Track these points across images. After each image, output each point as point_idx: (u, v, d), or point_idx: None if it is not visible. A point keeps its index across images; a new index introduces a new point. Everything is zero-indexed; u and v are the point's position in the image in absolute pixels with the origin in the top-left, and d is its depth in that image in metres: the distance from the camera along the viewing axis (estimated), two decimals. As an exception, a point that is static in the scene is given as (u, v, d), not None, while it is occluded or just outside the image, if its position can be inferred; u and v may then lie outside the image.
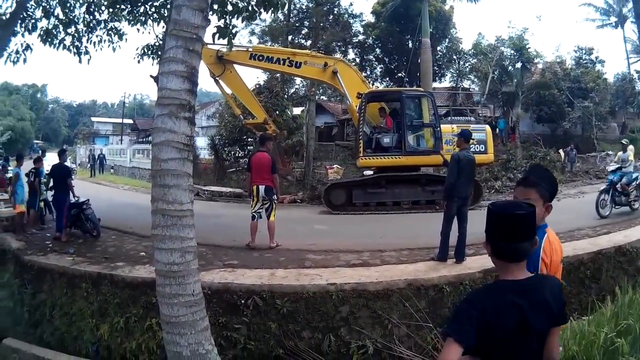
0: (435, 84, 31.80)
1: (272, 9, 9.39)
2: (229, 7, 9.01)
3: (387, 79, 35.28)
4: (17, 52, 11.41)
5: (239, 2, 9.18)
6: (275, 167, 9.77)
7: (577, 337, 5.03)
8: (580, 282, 8.01)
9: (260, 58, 15.89)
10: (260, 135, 12.36)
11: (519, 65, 31.02)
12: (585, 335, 5.05)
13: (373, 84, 35.42)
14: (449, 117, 18.76)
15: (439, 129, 15.20)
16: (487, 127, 16.09)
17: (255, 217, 9.67)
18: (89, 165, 39.50)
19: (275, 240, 9.72)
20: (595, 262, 8.32)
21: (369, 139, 15.83)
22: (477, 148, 14.91)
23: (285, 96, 27.52)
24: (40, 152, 25.53)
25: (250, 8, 9.05)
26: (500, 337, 2.16)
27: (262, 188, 9.50)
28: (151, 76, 15.45)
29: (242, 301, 7.05)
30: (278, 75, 29.85)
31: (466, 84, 35.67)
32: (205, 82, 32.22)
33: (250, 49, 15.74)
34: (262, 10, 9.23)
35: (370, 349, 6.75)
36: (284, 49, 16.76)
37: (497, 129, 31.85)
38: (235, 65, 15.93)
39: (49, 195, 13.11)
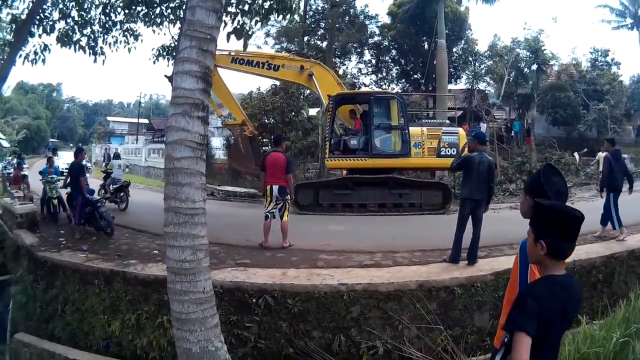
0: (451, 86, 31.73)
1: (285, 13, 9.43)
2: (245, 7, 9.07)
3: (403, 80, 35.23)
4: (35, 52, 11.53)
5: (252, 4, 9.24)
6: (290, 167, 9.76)
7: (587, 341, 5.01)
8: (592, 286, 7.93)
9: (241, 62, 16.08)
10: (275, 135, 12.42)
11: (534, 67, 30.73)
12: (596, 339, 5.03)
13: (389, 86, 35.40)
14: (422, 120, 18.86)
15: (407, 131, 15.13)
16: (461, 131, 15.89)
17: (269, 217, 9.68)
18: (104, 164, 39.76)
19: (288, 240, 9.72)
20: (607, 266, 8.25)
21: (337, 141, 15.89)
22: (449, 152, 14.96)
23: (301, 97, 27.57)
24: (51, 150, 25.79)
25: (263, 11, 9.09)
26: (551, 328, 2.40)
27: (275, 188, 9.50)
28: (165, 76, 15.59)
29: (254, 300, 7.07)
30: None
31: (482, 85, 35.48)
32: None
33: (232, 53, 15.82)
34: (275, 13, 9.27)
35: (380, 350, 6.74)
36: (263, 53, 17.03)
37: (513, 132, 31.68)
38: (219, 69, 15.94)
39: (64, 192, 13.28)
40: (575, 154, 24.93)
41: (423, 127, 15.81)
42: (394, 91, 18.26)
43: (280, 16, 9.82)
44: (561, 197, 3.04)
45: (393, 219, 13.99)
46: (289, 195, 9.74)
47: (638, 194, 10.80)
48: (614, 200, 9.68)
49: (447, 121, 18.46)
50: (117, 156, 37.03)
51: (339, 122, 17.26)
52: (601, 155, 18.30)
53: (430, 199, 14.99)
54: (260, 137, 24.37)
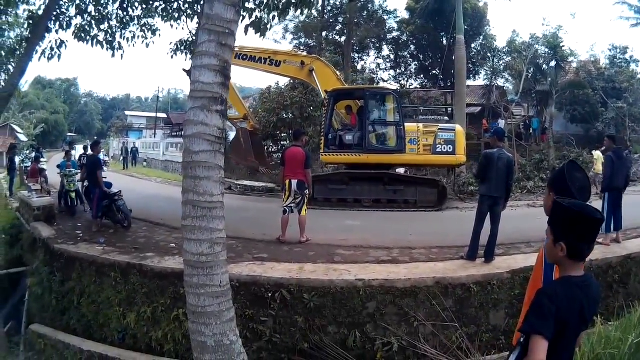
0: (469, 82, 31.49)
1: (303, 7, 9.40)
2: (263, 1, 9.06)
3: (422, 76, 35.10)
4: (51, 48, 11.60)
5: None
6: (309, 162, 9.73)
7: (603, 342, 4.95)
8: (608, 286, 7.82)
9: (245, 57, 16.35)
10: (295, 130, 12.45)
11: (553, 63, 30.44)
12: (611, 341, 4.97)
13: (407, 81, 35.30)
14: (421, 117, 18.61)
15: (402, 127, 15.10)
16: (458, 128, 15.79)
17: (287, 211, 9.65)
18: (121, 158, 40.06)
19: (306, 235, 9.70)
20: (624, 266, 8.15)
21: (334, 136, 15.97)
22: (445, 148, 14.94)
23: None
24: (68, 144, 26.06)
25: (281, 6, 9.07)
26: (567, 327, 2.37)
27: (294, 182, 9.48)
28: (184, 70, 15.66)
29: (270, 294, 7.10)
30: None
31: (500, 82, 35.18)
32: (240, 77, 32.55)
33: (236, 49, 15.97)
34: (293, 8, 9.25)
35: (395, 346, 6.74)
36: (266, 49, 16.99)
37: (531, 129, 31.42)
38: None
39: (81, 186, 13.40)
40: (593, 152, 24.68)
41: (419, 123, 15.79)
42: (391, 87, 18.28)
43: (299, 11, 9.79)
44: (584, 193, 3.00)
45: (395, 215, 13.98)
46: (307, 190, 9.70)
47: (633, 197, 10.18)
48: (609, 200, 9.28)
49: (446, 117, 18.46)
50: (135, 151, 37.21)
51: (340, 118, 17.39)
52: (598, 154, 18.11)
53: (426, 196, 15.00)
54: (278, 132, 24.50)
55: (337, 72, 17.57)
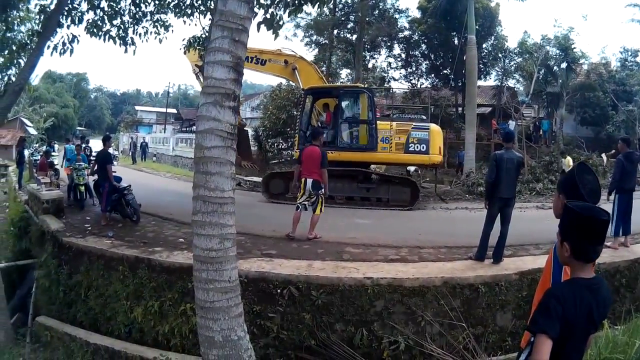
0: (480, 82, 31.35)
1: (318, 3, 9.37)
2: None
3: (433, 75, 34.95)
4: (63, 43, 11.62)
5: None
6: (325, 162, 9.73)
7: (609, 346, 4.93)
8: (615, 290, 7.73)
9: None
10: (313, 129, 12.58)
11: (564, 65, 30.34)
12: (618, 345, 4.95)
13: (418, 80, 35.23)
14: (398, 115, 19.56)
15: (374, 125, 15.23)
16: (433, 127, 15.79)
17: (300, 208, 9.77)
18: (130, 152, 40.20)
19: (315, 232, 9.73)
20: (631, 270, 8.09)
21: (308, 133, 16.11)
22: (418, 147, 15.02)
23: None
24: (79, 139, 26.19)
25: (295, 1, 9.04)
26: (575, 329, 2.38)
27: (309, 182, 9.58)
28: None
29: (278, 291, 7.12)
30: (323, 68, 30.07)
31: (511, 83, 35.05)
32: (251, 74, 32.68)
33: None
34: (308, 3, 9.21)
35: (402, 345, 6.74)
36: (253, 48, 17.18)
37: (541, 130, 31.32)
38: None
39: (91, 180, 13.46)
40: (603, 155, 24.56)
41: (393, 121, 15.93)
42: (363, 86, 18.49)
43: (311, 8, 9.77)
44: (594, 196, 3.00)
45: (362, 212, 14.12)
46: (323, 190, 9.71)
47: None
48: (619, 203, 9.15)
49: (424, 117, 18.58)
50: (145, 146, 37.26)
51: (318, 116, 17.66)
52: (568, 160, 18.30)
53: (398, 194, 15.11)
54: (289, 129, 24.60)
55: (320, 71, 18.19)
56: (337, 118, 15.88)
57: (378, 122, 15.52)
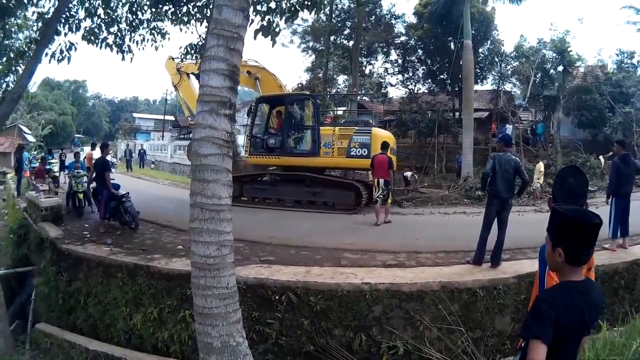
0: (477, 87, 31.40)
1: (314, 9, 9.41)
2: (272, 5, 9.07)
3: (429, 80, 34.96)
4: (61, 51, 11.65)
5: (280, 2, 9.22)
6: (392, 166, 12.78)
7: (607, 348, 4.94)
8: (613, 291, 7.77)
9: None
10: (382, 142, 13.31)
11: (560, 68, 30.33)
12: (615, 346, 4.96)
13: (415, 86, 35.22)
14: (342, 121, 19.78)
15: (317, 131, 15.62)
16: (375, 131, 15.89)
17: (378, 201, 12.70)
18: (125, 159, 40.14)
19: (390, 217, 13.08)
20: (630, 272, 8.10)
21: (260, 139, 17.03)
22: (359, 152, 15.22)
23: (328, 96, 27.66)
24: (79, 145, 26.25)
25: (292, 8, 9.08)
26: (567, 333, 2.39)
27: (382, 181, 12.50)
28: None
29: (276, 297, 7.15)
30: (320, 75, 30.03)
31: (508, 86, 35.02)
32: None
33: (199, 61, 16.64)
34: (304, 10, 9.25)
35: (401, 350, 6.75)
36: None
37: (536, 134, 31.36)
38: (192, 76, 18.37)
39: (88, 187, 13.48)
40: (601, 158, 24.60)
41: (336, 127, 16.16)
42: (308, 93, 19.15)
43: (307, 14, 9.83)
44: (574, 199, 3.02)
45: (308, 215, 14.39)
46: (391, 186, 12.97)
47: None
48: (616, 206, 9.18)
49: (370, 120, 18.97)
50: (143, 153, 37.30)
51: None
52: (540, 165, 18.42)
53: (343, 198, 15.39)
54: None
55: (279, 80, 18.51)
56: (284, 125, 16.53)
57: (321, 127, 15.87)
